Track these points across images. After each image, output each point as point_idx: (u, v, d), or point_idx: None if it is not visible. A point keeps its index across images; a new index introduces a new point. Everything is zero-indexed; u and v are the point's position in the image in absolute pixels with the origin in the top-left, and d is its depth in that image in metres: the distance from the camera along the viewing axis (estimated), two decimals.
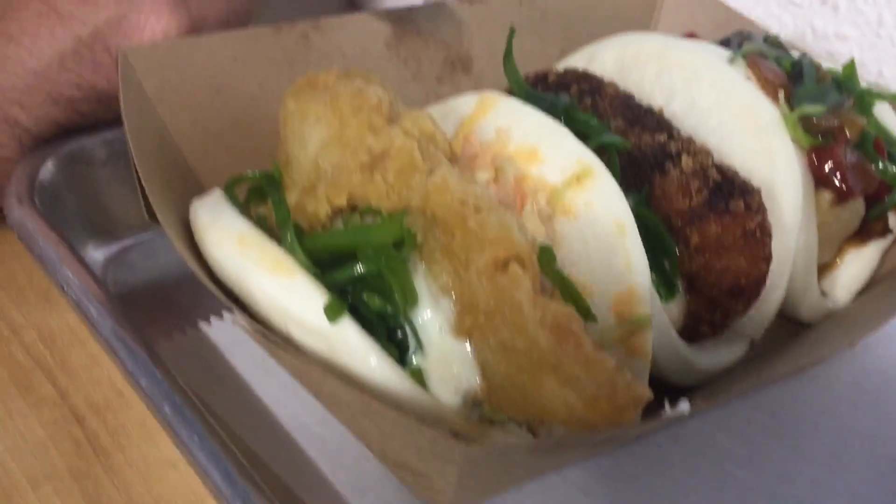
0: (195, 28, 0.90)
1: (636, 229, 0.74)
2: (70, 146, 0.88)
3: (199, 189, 0.85)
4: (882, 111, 1.01)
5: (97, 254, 0.92)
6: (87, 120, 0.89)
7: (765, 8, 1.67)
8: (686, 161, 0.81)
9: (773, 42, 1.03)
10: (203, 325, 0.87)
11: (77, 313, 0.74)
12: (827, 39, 1.60)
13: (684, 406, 0.60)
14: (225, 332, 0.86)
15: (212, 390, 0.80)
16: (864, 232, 0.97)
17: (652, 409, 0.60)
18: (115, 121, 0.80)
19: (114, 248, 0.93)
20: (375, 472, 0.75)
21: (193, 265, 0.66)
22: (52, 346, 0.83)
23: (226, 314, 0.88)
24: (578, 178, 0.74)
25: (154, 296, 0.92)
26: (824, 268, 0.98)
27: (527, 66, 1.04)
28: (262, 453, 0.76)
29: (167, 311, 0.90)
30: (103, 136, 0.91)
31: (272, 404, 0.81)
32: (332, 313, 0.63)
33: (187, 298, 0.91)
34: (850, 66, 0.98)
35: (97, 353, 0.82)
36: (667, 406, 0.60)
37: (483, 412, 0.70)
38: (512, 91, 0.89)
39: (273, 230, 0.72)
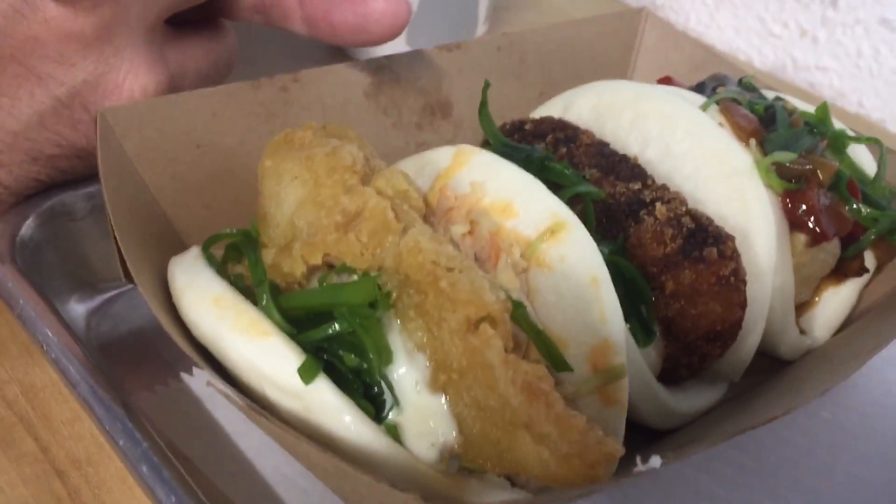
0: (174, 83, 0.91)
1: (610, 281, 0.75)
2: (51, 202, 0.89)
3: (180, 243, 0.86)
4: (856, 151, 1.02)
5: (79, 307, 0.92)
6: (66, 176, 0.90)
7: (745, 40, 1.69)
8: (660, 209, 0.82)
9: (747, 85, 1.04)
10: (185, 377, 0.87)
11: (55, 371, 0.74)
12: (808, 70, 1.62)
13: (655, 461, 0.60)
14: (206, 383, 0.87)
15: (193, 442, 0.81)
16: (841, 271, 0.98)
17: (629, 457, 0.61)
18: (96, 175, 0.81)
19: (96, 300, 0.94)
20: None
21: (169, 327, 0.67)
22: (35, 401, 0.84)
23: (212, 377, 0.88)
24: (552, 231, 0.76)
25: (136, 347, 0.93)
26: (803, 306, 0.99)
27: (506, 109, 1.06)
28: None
29: (149, 362, 0.90)
30: (84, 191, 0.91)
31: (253, 457, 0.81)
32: (306, 374, 0.64)
33: (169, 350, 0.91)
34: (823, 108, 0.99)
35: (79, 408, 0.82)
36: (638, 461, 0.60)
37: (462, 462, 0.71)
38: (488, 142, 0.91)
39: (250, 288, 0.73)
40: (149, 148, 0.84)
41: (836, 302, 1.00)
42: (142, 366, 0.91)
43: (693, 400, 0.88)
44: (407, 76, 1.05)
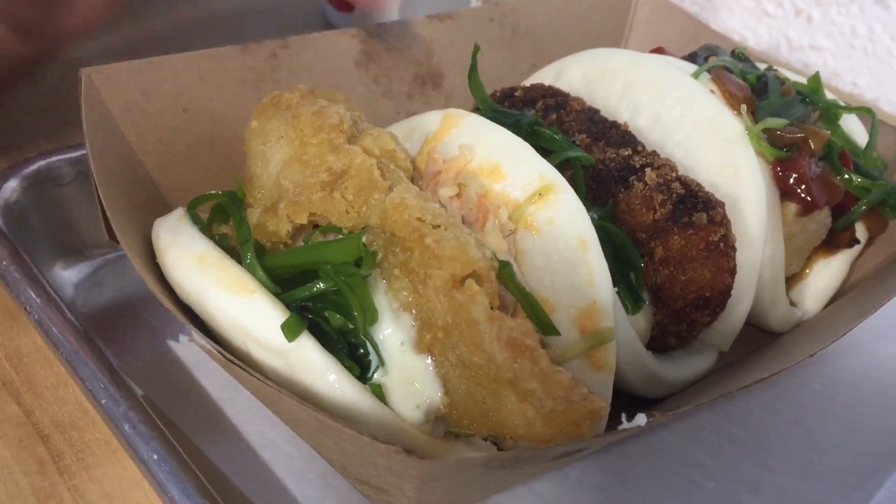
0: None
1: (598, 244, 0.74)
2: (36, 165, 0.88)
3: (166, 208, 0.85)
4: (848, 122, 1.02)
5: (66, 273, 0.92)
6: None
7: (740, 20, 1.69)
8: (650, 175, 0.81)
9: (739, 56, 1.03)
10: (171, 343, 0.87)
11: (39, 333, 0.74)
12: (802, 50, 1.61)
13: (640, 419, 0.60)
14: (193, 349, 0.86)
15: (179, 408, 0.80)
16: (832, 242, 0.97)
17: (616, 422, 0.60)
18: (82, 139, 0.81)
19: (83, 267, 0.93)
20: (342, 488, 0.76)
21: (153, 285, 0.66)
22: (19, 365, 0.83)
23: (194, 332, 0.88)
24: (540, 193, 0.75)
25: (122, 314, 0.92)
26: (793, 278, 0.99)
27: (497, 81, 1.05)
28: (228, 470, 0.76)
29: (136, 329, 0.90)
30: (71, 155, 0.91)
31: (239, 422, 0.81)
32: (289, 331, 0.63)
33: (156, 316, 0.91)
34: (815, 79, 0.98)
35: (64, 373, 0.82)
36: (623, 419, 0.60)
37: (448, 426, 0.70)
38: (477, 108, 0.90)
39: (235, 249, 0.72)
40: (134, 110, 0.84)
41: (826, 274, 0.99)
42: (128, 332, 0.90)
43: (681, 369, 0.88)
44: (398, 45, 1.04)
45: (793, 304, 0.98)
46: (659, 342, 0.86)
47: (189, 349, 0.86)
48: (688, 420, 0.88)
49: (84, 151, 0.93)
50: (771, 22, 1.65)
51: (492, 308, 0.62)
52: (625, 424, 0.60)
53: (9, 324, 0.87)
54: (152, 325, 0.91)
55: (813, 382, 0.94)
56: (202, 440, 0.78)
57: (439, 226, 0.65)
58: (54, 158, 0.90)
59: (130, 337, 0.89)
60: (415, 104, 1.06)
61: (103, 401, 0.67)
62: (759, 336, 0.98)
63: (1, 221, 0.82)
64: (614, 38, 1.22)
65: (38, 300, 0.74)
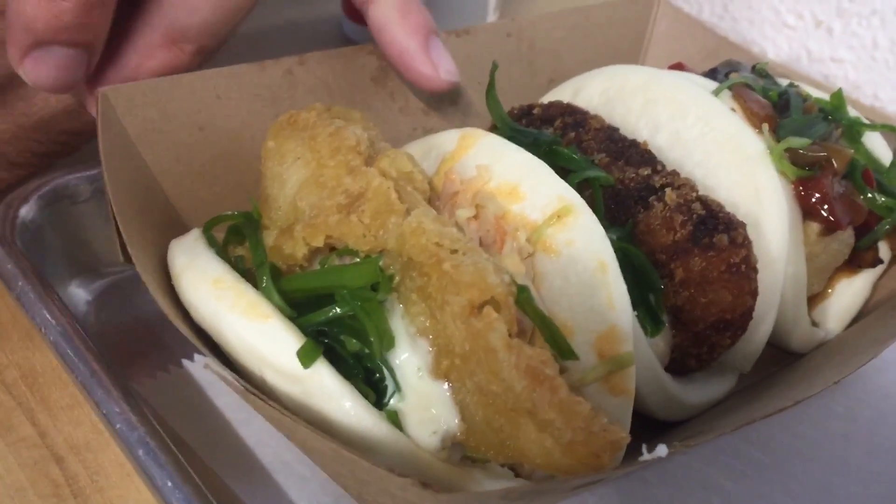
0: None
1: (618, 267, 0.73)
2: (53, 184, 0.88)
3: (181, 226, 0.85)
4: (872, 139, 1.00)
5: (81, 292, 0.91)
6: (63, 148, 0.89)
7: (759, 31, 1.67)
8: (670, 195, 0.80)
9: (760, 72, 1.02)
10: (186, 364, 0.86)
11: (54, 354, 0.73)
12: (822, 62, 1.59)
13: (661, 450, 0.59)
14: (208, 370, 0.85)
15: (193, 429, 0.80)
16: (855, 262, 0.96)
17: (635, 448, 0.59)
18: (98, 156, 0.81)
19: (98, 285, 0.93)
20: None
21: (168, 308, 0.66)
22: (34, 386, 0.83)
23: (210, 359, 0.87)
24: (559, 215, 0.74)
25: (138, 333, 0.92)
26: (815, 298, 0.97)
27: (515, 96, 1.04)
28: (242, 493, 0.75)
29: (151, 348, 0.90)
30: (87, 174, 0.90)
31: (254, 444, 0.80)
32: (305, 358, 0.62)
33: (171, 336, 0.90)
34: (838, 96, 0.97)
35: (78, 394, 0.81)
36: (644, 450, 0.59)
37: (466, 451, 0.69)
38: (495, 126, 0.89)
39: (251, 271, 0.71)
40: (151, 129, 0.83)
41: (849, 294, 0.98)
42: (143, 352, 0.90)
43: (702, 391, 0.86)
44: None
45: (815, 324, 0.97)
46: (678, 364, 0.85)
47: (203, 370, 0.86)
48: (708, 444, 0.86)
49: (100, 169, 0.93)
50: (791, 34, 1.63)
51: (510, 335, 0.61)
52: (645, 456, 0.59)
53: (24, 342, 0.87)
54: (167, 344, 0.90)
55: (835, 405, 0.92)
56: (216, 462, 0.78)
57: (457, 251, 0.64)
58: (71, 176, 0.90)
59: (145, 356, 0.89)
60: (431, 120, 1.05)
61: (118, 425, 0.66)
62: (780, 356, 0.96)
63: (18, 241, 0.81)
64: (632, 52, 1.21)
65: (53, 321, 0.73)
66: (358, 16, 1.46)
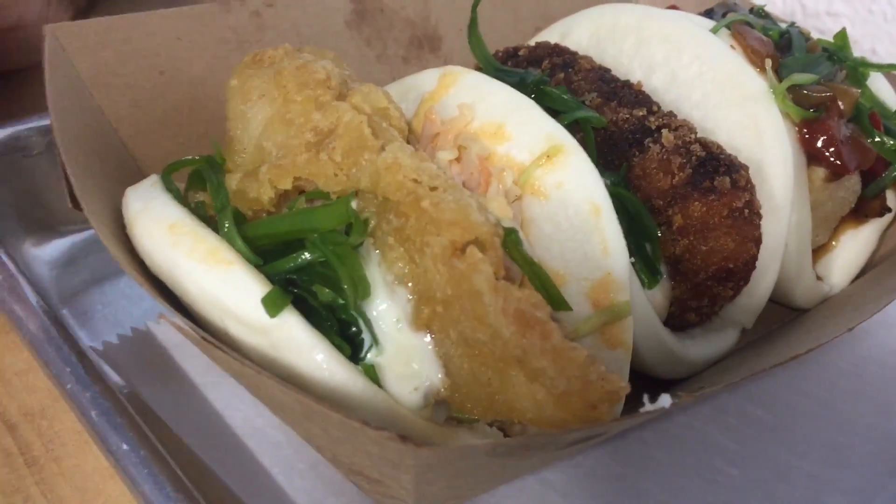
0: None
1: (613, 210, 0.68)
2: (3, 135, 0.82)
3: (141, 177, 0.79)
4: (877, 83, 0.95)
5: (37, 251, 0.85)
6: None
7: None
8: (667, 136, 0.75)
9: (759, 12, 0.96)
10: (150, 325, 0.80)
11: (4, 313, 0.67)
12: (818, 17, 1.54)
13: (665, 400, 0.53)
14: (173, 331, 0.79)
15: (157, 393, 0.74)
16: (861, 211, 0.90)
17: (633, 406, 0.54)
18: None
19: (57, 244, 0.87)
20: (334, 479, 0.69)
21: (120, 256, 0.60)
22: None
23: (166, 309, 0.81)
24: (548, 155, 0.68)
25: (100, 295, 0.85)
26: (819, 250, 0.92)
27: (499, 44, 0.98)
28: (210, 460, 0.69)
29: (112, 310, 0.84)
30: (40, 124, 0.84)
31: (222, 407, 0.74)
32: (272, 306, 0.56)
33: (134, 297, 0.85)
34: (842, 36, 0.92)
35: (32, 358, 0.75)
36: (646, 400, 0.53)
37: (450, 411, 0.64)
38: (479, 68, 0.83)
39: (213, 219, 0.65)
40: (105, 72, 0.77)
41: (855, 245, 0.93)
42: (105, 313, 0.84)
43: (702, 347, 0.81)
44: (392, 5, 0.97)
45: (819, 277, 0.91)
46: (677, 319, 0.79)
47: (169, 330, 0.80)
48: (709, 403, 0.81)
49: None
50: None
51: (497, 278, 0.55)
52: (647, 406, 0.53)
53: None
54: (128, 305, 0.84)
55: (842, 361, 0.87)
56: (182, 428, 0.72)
57: (437, 188, 0.58)
58: (22, 127, 0.83)
59: (105, 318, 0.83)
60: (411, 69, 0.99)
61: (68, 385, 0.60)
62: (782, 313, 0.91)
63: None
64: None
65: (0, 277, 0.67)
66: None
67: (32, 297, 0.67)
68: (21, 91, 0.83)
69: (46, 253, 0.86)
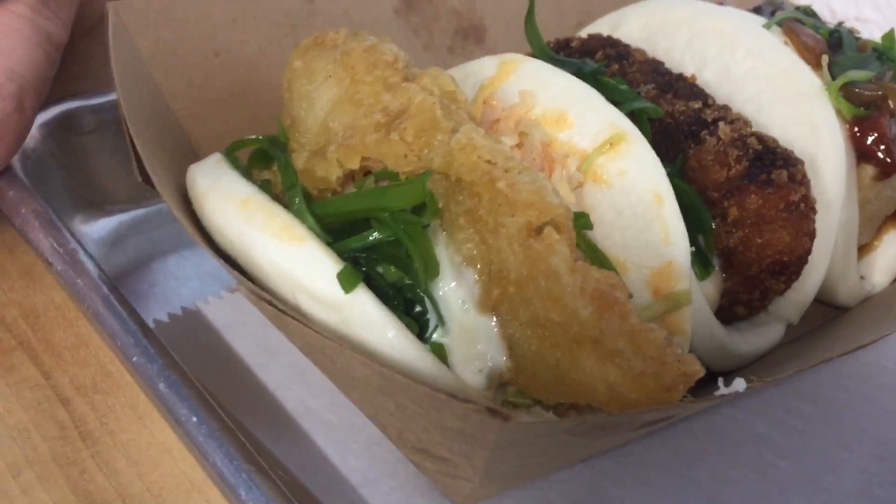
0: None
1: (675, 199, 0.68)
2: (56, 112, 0.82)
3: (194, 157, 0.79)
4: None
5: (85, 229, 0.85)
6: None
7: None
8: (723, 129, 0.75)
9: (806, 10, 0.97)
10: (200, 305, 0.80)
11: (63, 286, 0.67)
12: (847, 22, 1.54)
13: (739, 384, 0.54)
14: (223, 311, 0.80)
15: (210, 373, 0.74)
16: None
17: (707, 386, 0.54)
18: (101, 86, 0.74)
19: (104, 223, 0.87)
20: (388, 459, 0.69)
21: (192, 231, 0.60)
22: (36, 325, 0.77)
23: (224, 293, 0.81)
24: (611, 143, 0.69)
25: (147, 274, 0.86)
26: (862, 249, 0.92)
27: (544, 36, 0.98)
28: (265, 440, 0.70)
29: (161, 289, 0.84)
30: (92, 102, 0.84)
31: (275, 388, 0.74)
32: (346, 282, 0.56)
33: (182, 277, 0.85)
34: (890, 36, 0.92)
35: (85, 333, 0.75)
36: (720, 383, 0.54)
37: (507, 396, 0.64)
38: (534, 56, 0.83)
39: (278, 197, 0.65)
40: (164, 51, 0.77)
41: None
42: (153, 293, 0.84)
43: (751, 341, 0.81)
44: None
45: (861, 276, 0.92)
46: (726, 312, 0.80)
47: (218, 311, 0.80)
48: (755, 397, 0.81)
49: (105, 99, 0.87)
50: None
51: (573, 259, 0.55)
52: (722, 389, 0.54)
53: (24, 281, 0.81)
54: (178, 286, 0.84)
55: (884, 360, 0.88)
56: (235, 407, 0.72)
57: (511, 169, 0.58)
58: (75, 105, 0.83)
59: (155, 297, 0.83)
60: (456, 59, 0.99)
61: (134, 358, 0.60)
62: (824, 311, 0.91)
63: (19, 169, 0.75)
64: None
65: (61, 250, 0.67)
66: None
67: (94, 270, 0.67)
68: (66, 65, 0.83)
69: (94, 231, 0.86)
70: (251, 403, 0.73)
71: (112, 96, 0.86)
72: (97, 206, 0.87)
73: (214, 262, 0.63)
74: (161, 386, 0.58)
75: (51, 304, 0.79)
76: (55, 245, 0.68)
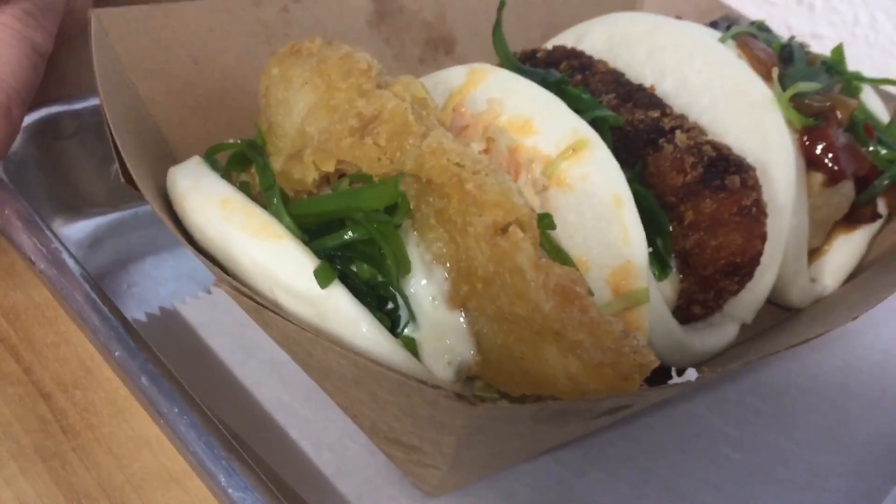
0: None
1: (633, 202, 0.72)
2: (38, 116, 0.84)
3: (172, 160, 0.81)
4: (867, 98, 1.00)
5: (65, 231, 0.87)
6: None
7: (741, 6, 1.67)
8: (680, 137, 0.79)
9: (760, 26, 1.02)
10: (177, 305, 0.83)
11: (46, 285, 0.69)
12: (803, 38, 1.59)
13: (691, 374, 0.57)
14: (200, 311, 0.82)
15: (188, 370, 0.76)
16: (853, 217, 0.96)
17: (661, 378, 0.57)
18: (81, 92, 0.76)
19: (81, 225, 0.89)
20: (361, 452, 0.72)
21: (174, 230, 0.62)
22: (16, 323, 0.78)
23: (201, 293, 0.84)
24: (574, 149, 0.72)
25: (124, 275, 0.88)
26: (813, 253, 0.97)
27: (511, 47, 1.02)
28: (242, 433, 0.72)
29: (139, 290, 0.86)
30: (71, 107, 0.86)
31: (251, 384, 0.77)
32: (322, 278, 0.59)
33: (159, 278, 0.87)
34: (839, 50, 0.97)
35: (64, 331, 0.77)
36: (674, 373, 0.57)
37: (474, 390, 0.67)
38: (501, 66, 0.87)
39: (256, 198, 0.68)
40: (143, 57, 0.80)
41: (846, 249, 0.98)
42: (130, 292, 0.86)
43: (706, 339, 0.85)
44: (410, 7, 1.01)
45: (812, 279, 0.96)
46: (683, 311, 0.83)
47: (196, 311, 0.83)
48: (710, 393, 0.85)
49: (84, 104, 0.89)
50: (772, 10, 1.64)
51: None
52: (676, 379, 0.57)
53: (4, 280, 0.82)
54: (155, 286, 0.87)
55: (833, 358, 0.92)
56: (213, 403, 0.74)
57: (479, 171, 0.61)
58: (56, 110, 0.86)
59: (134, 297, 0.85)
60: (426, 69, 1.03)
61: (117, 353, 0.63)
62: (777, 313, 0.95)
63: (2, 172, 0.77)
64: (627, 9, 1.20)
65: (44, 250, 0.69)
66: None
67: (76, 269, 0.69)
68: (47, 72, 0.85)
69: (73, 233, 0.88)
70: (229, 399, 0.76)
71: (91, 102, 0.89)
72: (76, 208, 0.89)
73: (191, 264, 0.66)
74: (143, 379, 0.61)
75: (30, 303, 0.80)
76: (38, 245, 0.70)
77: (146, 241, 0.91)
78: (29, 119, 0.84)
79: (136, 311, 0.82)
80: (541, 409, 0.53)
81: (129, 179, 0.66)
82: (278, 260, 0.61)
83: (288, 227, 0.63)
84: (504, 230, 0.59)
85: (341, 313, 0.60)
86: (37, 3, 0.77)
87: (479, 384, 0.67)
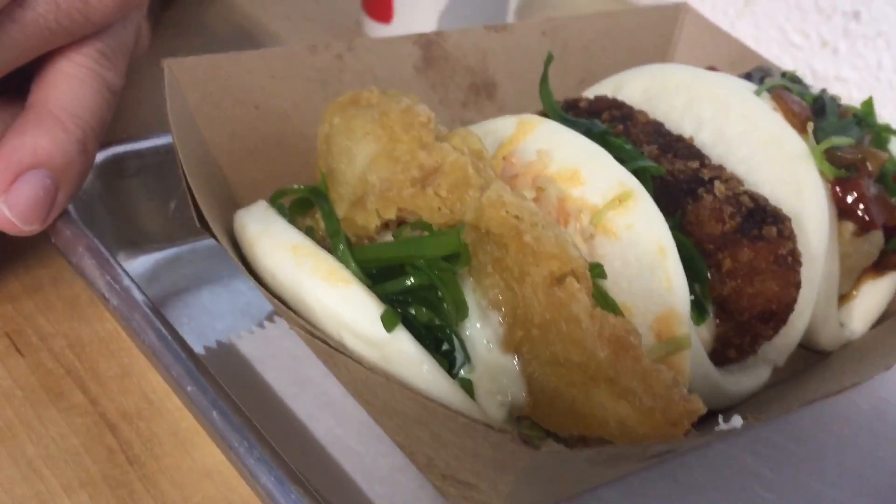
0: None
1: (676, 252, 0.75)
2: (106, 155, 0.88)
3: (236, 204, 0.86)
4: (894, 149, 1.04)
5: (126, 266, 0.91)
6: None
7: (766, 49, 1.71)
8: (719, 187, 0.83)
9: (791, 77, 1.05)
10: (233, 339, 0.86)
11: (118, 320, 0.73)
12: (826, 81, 1.64)
13: (736, 421, 0.61)
14: (255, 345, 0.86)
15: (246, 403, 0.80)
16: (882, 264, 0.99)
17: (707, 423, 0.61)
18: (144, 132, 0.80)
19: (141, 260, 0.93)
20: (411, 485, 0.76)
21: (246, 273, 0.66)
22: (81, 355, 0.82)
23: (255, 328, 0.87)
24: (620, 199, 0.76)
25: (183, 309, 0.92)
26: (842, 299, 1.00)
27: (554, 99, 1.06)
28: (300, 467, 0.75)
29: (196, 324, 0.90)
30: (135, 147, 0.91)
31: (306, 418, 0.80)
32: (389, 322, 0.63)
33: (216, 312, 0.91)
34: (869, 103, 1.00)
35: (128, 363, 0.81)
36: (720, 420, 0.60)
37: (522, 428, 0.70)
38: (546, 115, 0.91)
39: (320, 242, 0.72)
40: (210, 103, 0.84)
41: (874, 295, 1.01)
42: (189, 326, 0.90)
43: (741, 382, 0.88)
44: (455, 53, 1.05)
45: (841, 324, 0.99)
46: (718, 355, 0.87)
47: (251, 345, 0.86)
48: (745, 435, 0.88)
49: (148, 144, 0.93)
50: (796, 53, 1.68)
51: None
52: (721, 426, 0.61)
53: (69, 313, 0.86)
54: (211, 320, 0.90)
55: (862, 402, 0.95)
56: (271, 434, 0.78)
57: (536, 224, 0.65)
58: (122, 149, 0.90)
59: (192, 330, 0.89)
60: (469, 113, 1.07)
61: (189, 388, 0.66)
62: (807, 355, 0.98)
63: (73, 210, 0.81)
64: (659, 57, 1.24)
65: (117, 287, 0.73)
66: (378, 13, 1.48)
67: (146, 304, 0.73)
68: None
69: (133, 268, 0.92)
70: (284, 432, 0.79)
71: (153, 142, 0.93)
72: (136, 244, 0.93)
73: (245, 299, 0.70)
74: (214, 414, 0.64)
75: (95, 336, 0.84)
76: (112, 282, 0.74)
77: (202, 276, 0.95)
78: (98, 157, 0.88)
79: (195, 345, 0.85)
80: (598, 454, 0.56)
81: (203, 222, 0.70)
82: (346, 304, 0.65)
83: (354, 273, 0.67)
84: (560, 280, 0.63)
85: (404, 355, 0.64)
86: (110, 43, 0.82)
87: (527, 422, 0.70)
